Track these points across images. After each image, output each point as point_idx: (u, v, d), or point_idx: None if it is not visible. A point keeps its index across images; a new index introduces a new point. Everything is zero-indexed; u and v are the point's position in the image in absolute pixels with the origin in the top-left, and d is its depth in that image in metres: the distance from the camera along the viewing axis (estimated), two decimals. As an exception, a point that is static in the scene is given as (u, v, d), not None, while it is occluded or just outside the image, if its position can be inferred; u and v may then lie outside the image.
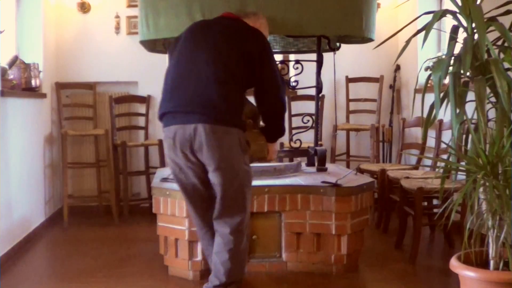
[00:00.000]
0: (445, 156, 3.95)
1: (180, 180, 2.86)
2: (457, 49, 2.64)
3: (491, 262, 2.45)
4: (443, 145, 4.06)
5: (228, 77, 2.74)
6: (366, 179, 3.67)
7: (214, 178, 2.76)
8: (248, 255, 3.24)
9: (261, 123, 3.09)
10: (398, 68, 5.41)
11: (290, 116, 5.27)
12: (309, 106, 4.32)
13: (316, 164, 3.93)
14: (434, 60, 3.85)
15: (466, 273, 2.44)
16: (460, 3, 2.61)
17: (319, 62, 3.84)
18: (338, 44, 3.98)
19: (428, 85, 2.85)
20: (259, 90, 2.89)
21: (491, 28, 2.53)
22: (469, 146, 2.62)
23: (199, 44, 2.83)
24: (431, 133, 4.20)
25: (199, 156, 2.73)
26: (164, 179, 3.55)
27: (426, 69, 4.11)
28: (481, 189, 2.42)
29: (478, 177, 2.37)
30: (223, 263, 2.81)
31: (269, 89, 2.88)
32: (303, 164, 4.00)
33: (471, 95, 2.48)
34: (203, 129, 2.66)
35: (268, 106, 2.92)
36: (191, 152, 2.72)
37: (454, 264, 2.51)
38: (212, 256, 2.88)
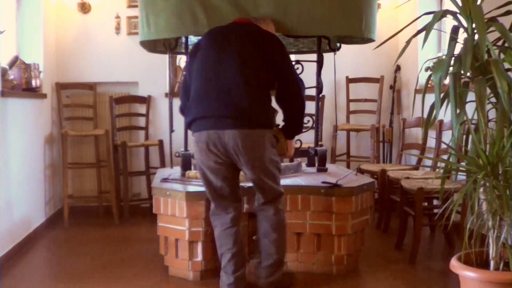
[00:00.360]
0: (445, 157, 3.94)
1: (210, 181, 2.96)
2: (458, 49, 2.65)
3: (492, 263, 2.45)
4: (443, 146, 4.06)
5: (256, 81, 2.87)
6: (366, 179, 3.67)
7: (249, 174, 2.93)
8: (249, 255, 3.26)
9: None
10: (398, 68, 5.41)
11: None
12: (309, 107, 4.28)
13: (316, 164, 3.93)
14: (435, 60, 3.84)
15: (466, 274, 2.44)
16: (460, 4, 2.61)
17: (319, 63, 3.84)
18: (338, 44, 3.97)
19: (429, 85, 2.85)
20: (282, 90, 2.99)
21: (492, 28, 2.54)
22: (469, 146, 2.62)
23: (223, 51, 2.92)
24: (432, 134, 4.20)
25: (233, 158, 2.86)
26: (165, 179, 3.55)
27: (426, 70, 4.12)
28: (481, 190, 2.42)
29: (478, 178, 2.36)
30: (273, 242, 2.98)
31: (290, 89, 2.99)
32: (304, 165, 4.00)
33: (471, 96, 2.48)
34: (237, 134, 2.79)
35: (290, 105, 3.03)
36: (224, 155, 2.85)
37: (454, 264, 2.51)
38: (260, 241, 3.04)
